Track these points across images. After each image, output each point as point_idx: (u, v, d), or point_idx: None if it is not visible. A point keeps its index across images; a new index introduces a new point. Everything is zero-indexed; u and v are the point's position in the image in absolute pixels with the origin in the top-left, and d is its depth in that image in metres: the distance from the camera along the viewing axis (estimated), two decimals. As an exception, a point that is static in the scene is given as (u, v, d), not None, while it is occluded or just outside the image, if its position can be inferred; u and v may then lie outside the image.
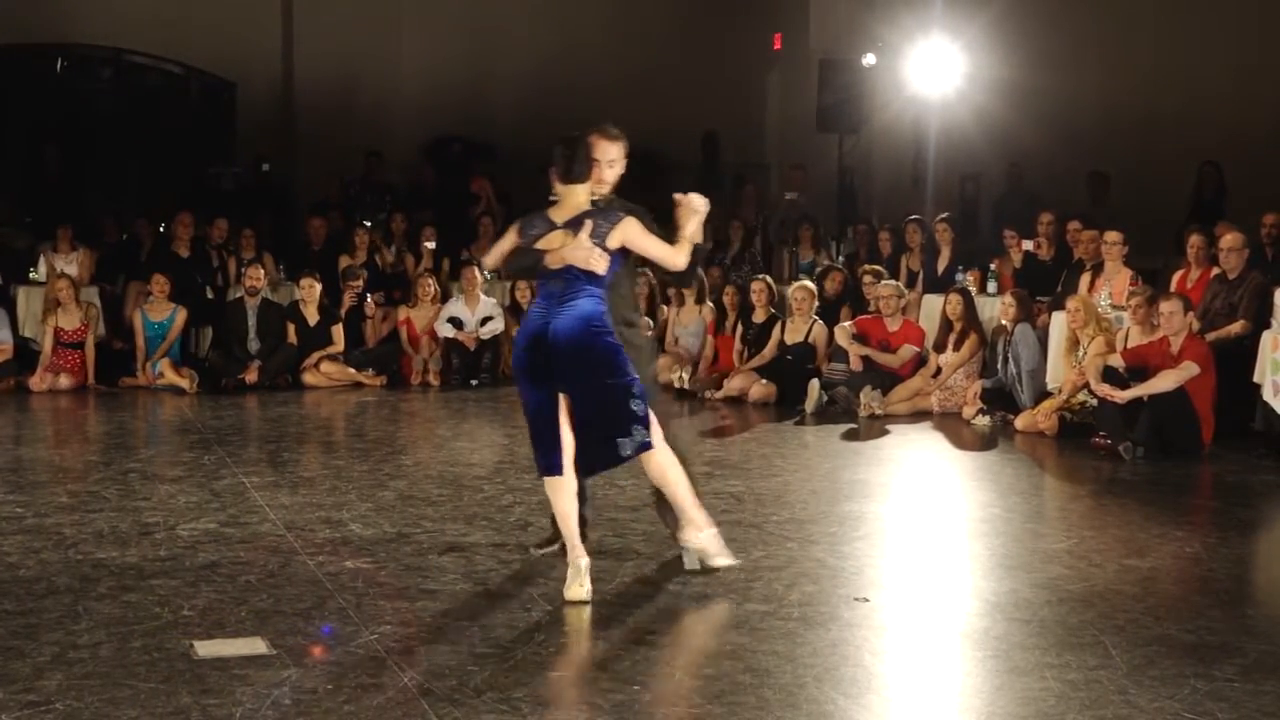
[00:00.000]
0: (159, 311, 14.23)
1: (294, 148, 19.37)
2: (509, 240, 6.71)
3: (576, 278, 6.41)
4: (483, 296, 14.89)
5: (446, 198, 18.16)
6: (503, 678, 5.35)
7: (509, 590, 6.62)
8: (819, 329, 13.54)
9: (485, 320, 14.76)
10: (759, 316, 13.91)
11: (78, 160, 18.40)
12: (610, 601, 6.38)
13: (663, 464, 6.59)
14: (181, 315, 14.29)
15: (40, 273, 15.01)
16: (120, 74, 19.89)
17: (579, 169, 6.56)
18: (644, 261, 6.86)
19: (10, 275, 15.06)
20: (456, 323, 14.69)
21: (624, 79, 19.34)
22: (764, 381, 13.28)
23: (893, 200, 17.94)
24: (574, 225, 6.47)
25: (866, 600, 6.54)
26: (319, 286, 14.55)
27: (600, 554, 7.27)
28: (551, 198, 6.63)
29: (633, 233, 6.50)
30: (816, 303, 13.72)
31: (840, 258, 16.35)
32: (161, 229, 16.24)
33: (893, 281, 13.69)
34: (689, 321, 14.62)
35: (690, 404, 13.36)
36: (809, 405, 12.62)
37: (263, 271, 14.71)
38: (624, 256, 6.60)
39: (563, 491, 6.53)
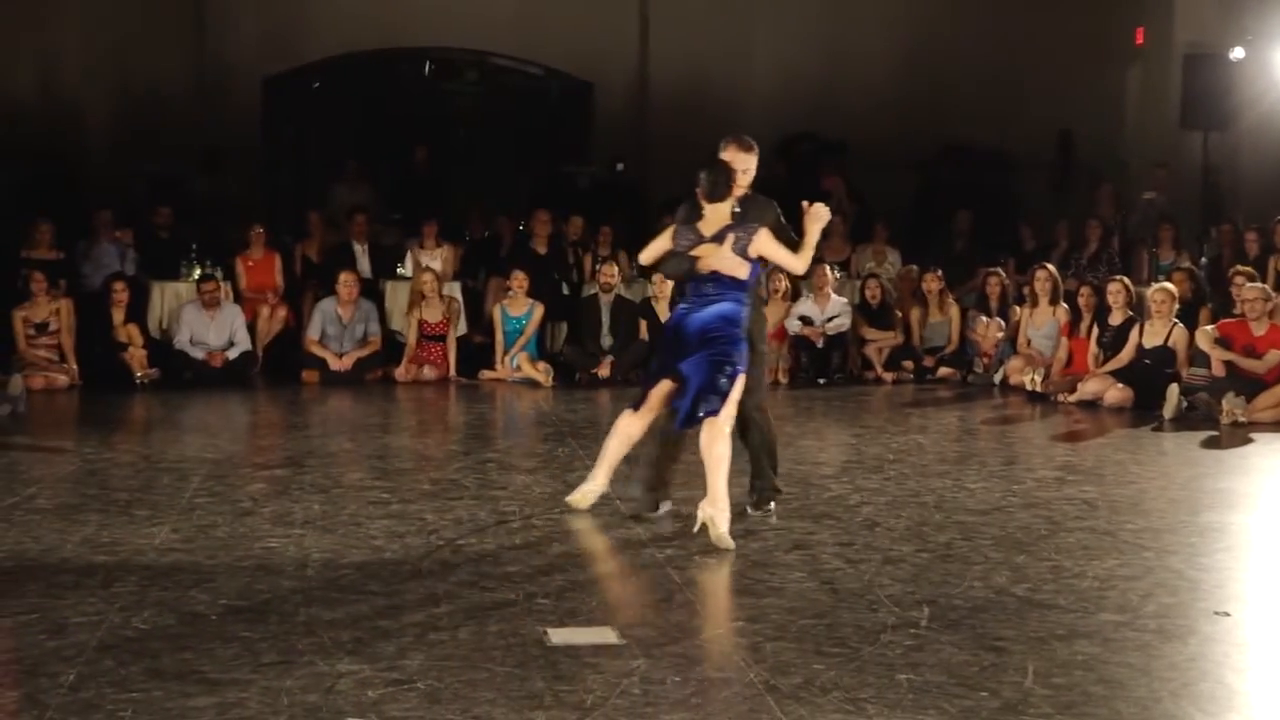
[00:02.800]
0: (517, 307, 14.64)
1: (647, 147, 19.66)
2: (664, 243, 7.87)
3: (724, 281, 7.60)
4: (833, 295, 14.88)
5: (797, 196, 18.16)
6: (848, 677, 5.33)
7: (855, 589, 6.59)
8: (1179, 332, 13.08)
9: (832, 319, 14.75)
10: (1115, 318, 13.52)
11: (444, 159, 19.06)
12: (958, 606, 6.30)
13: (714, 439, 7.43)
14: (539, 311, 14.66)
15: (407, 268, 15.63)
16: (484, 76, 20.54)
17: (721, 190, 7.73)
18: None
19: (380, 270, 15.73)
20: (806, 321, 14.71)
21: (979, 75, 19.04)
22: (1120, 385, 12.90)
23: (1261, 199, 17.20)
24: (719, 238, 7.62)
25: (1228, 615, 6.29)
26: (671, 283, 14.74)
27: (948, 557, 7.20)
28: (702, 212, 7.73)
29: (764, 243, 7.62)
30: (1177, 305, 13.26)
31: (1203, 259, 15.79)
32: (520, 227, 16.70)
33: (1260, 284, 13.14)
34: (1042, 323, 14.32)
35: (1042, 407, 13.07)
36: (1168, 411, 12.21)
37: (617, 269, 14.99)
38: (763, 262, 7.71)
39: (629, 426, 7.90)
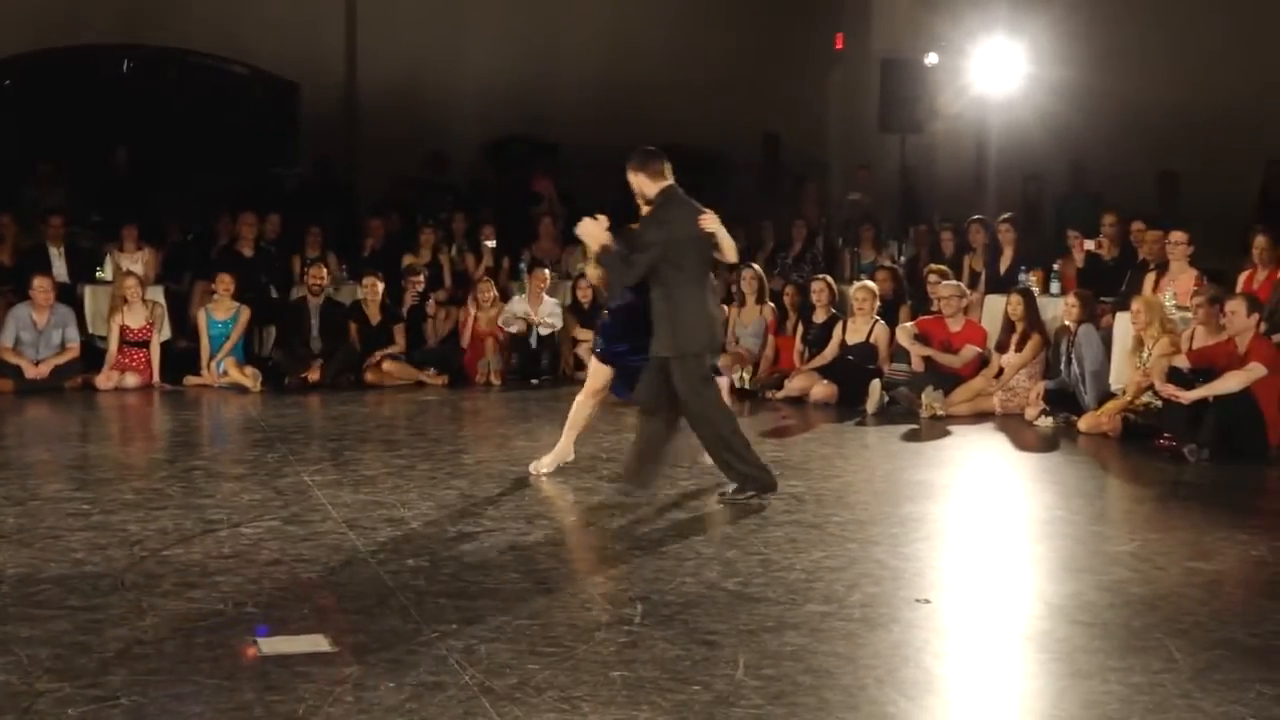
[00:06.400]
0: (223, 310, 14.33)
1: (356, 148, 19.47)
2: None
3: None
4: (545, 296, 14.91)
5: (508, 197, 18.20)
6: (563, 676, 5.36)
7: (569, 589, 6.63)
8: (880, 329, 13.49)
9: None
10: (820, 316, 13.87)
11: (145, 160, 18.56)
12: (670, 602, 6.38)
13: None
14: (245, 314, 14.37)
15: (107, 272, 15.15)
16: (185, 75, 20.06)
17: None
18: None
19: (78, 274, 15.21)
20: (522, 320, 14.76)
21: (685, 79, 19.34)
22: (825, 382, 13.24)
23: (955, 200, 17.86)
24: None
25: (928, 602, 6.51)
26: (381, 286, 14.62)
27: (661, 554, 7.29)
28: None
29: None
30: (878, 303, 13.66)
31: (902, 258, 16.29)
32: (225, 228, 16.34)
33: (954, 282, 13.62)
34: (750, 321, 14.60)
35: (750, 404, 13.33)
36: (870, 406, 12.57)
37: (326, 271, 14.79)
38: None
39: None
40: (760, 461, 8.72)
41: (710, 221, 8.66)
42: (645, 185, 8.73)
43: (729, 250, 8.92)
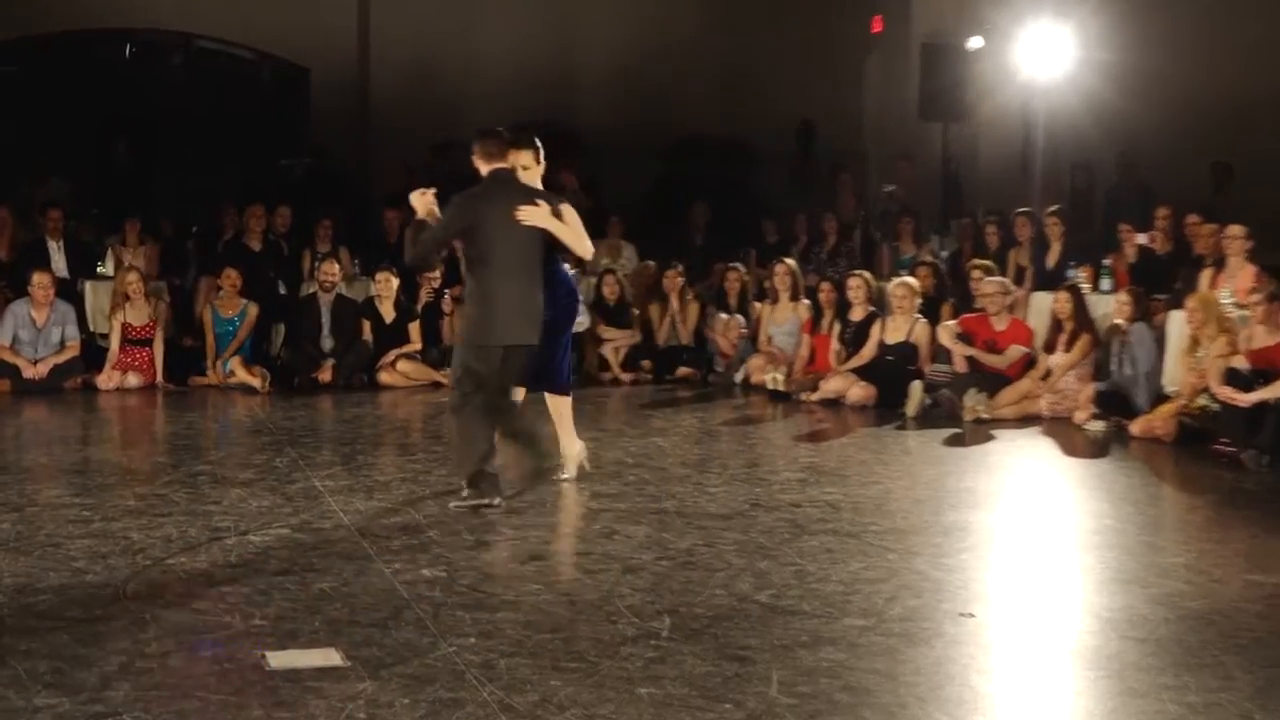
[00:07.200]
0: (230, 307, 14.36)
1: (368, 136, 19.49)
2: None
3: None
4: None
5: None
6: (587, 694, 5.35)
7: (593, 601, 6.62)
8: (921, 328, 13.45)
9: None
10: (857, 315, 13.83)
11: (147, 150, 18.59)
12: (700, 615, 6.36)
13: None
14: (253, 311, 14.41)
15: (108, 267, 15.20)
16: (190, 60, 20.10)
17: None
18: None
19: (77, 269, 15.26)
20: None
21: (715, 65, 19.33)
22: (863, 383, 13.21)
23: (1000, 191, 17.79)
24: None
25: (973, 616, 6.48)
26: (396, 281, 14.61)
27: (690, 565, 7.28)
28: None
29: None
30: (919, 300, 13.61)
31: (943, 252, 16.25)
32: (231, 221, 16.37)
33: (999, 278, 13.57)
34: (783, 320, 14.58)
35: (785, 406, 13.31)
36: (910, 408, 12.55)
37: (338, 266, 14.79)
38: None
39: None
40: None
41: (530, 214, 8.45)
42: (479, 165, 8.66)
43: (574, 245, 8.73)
